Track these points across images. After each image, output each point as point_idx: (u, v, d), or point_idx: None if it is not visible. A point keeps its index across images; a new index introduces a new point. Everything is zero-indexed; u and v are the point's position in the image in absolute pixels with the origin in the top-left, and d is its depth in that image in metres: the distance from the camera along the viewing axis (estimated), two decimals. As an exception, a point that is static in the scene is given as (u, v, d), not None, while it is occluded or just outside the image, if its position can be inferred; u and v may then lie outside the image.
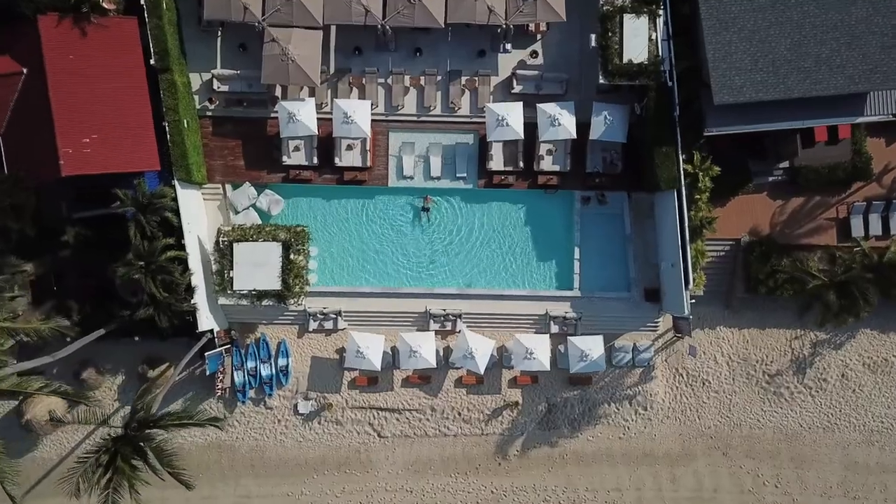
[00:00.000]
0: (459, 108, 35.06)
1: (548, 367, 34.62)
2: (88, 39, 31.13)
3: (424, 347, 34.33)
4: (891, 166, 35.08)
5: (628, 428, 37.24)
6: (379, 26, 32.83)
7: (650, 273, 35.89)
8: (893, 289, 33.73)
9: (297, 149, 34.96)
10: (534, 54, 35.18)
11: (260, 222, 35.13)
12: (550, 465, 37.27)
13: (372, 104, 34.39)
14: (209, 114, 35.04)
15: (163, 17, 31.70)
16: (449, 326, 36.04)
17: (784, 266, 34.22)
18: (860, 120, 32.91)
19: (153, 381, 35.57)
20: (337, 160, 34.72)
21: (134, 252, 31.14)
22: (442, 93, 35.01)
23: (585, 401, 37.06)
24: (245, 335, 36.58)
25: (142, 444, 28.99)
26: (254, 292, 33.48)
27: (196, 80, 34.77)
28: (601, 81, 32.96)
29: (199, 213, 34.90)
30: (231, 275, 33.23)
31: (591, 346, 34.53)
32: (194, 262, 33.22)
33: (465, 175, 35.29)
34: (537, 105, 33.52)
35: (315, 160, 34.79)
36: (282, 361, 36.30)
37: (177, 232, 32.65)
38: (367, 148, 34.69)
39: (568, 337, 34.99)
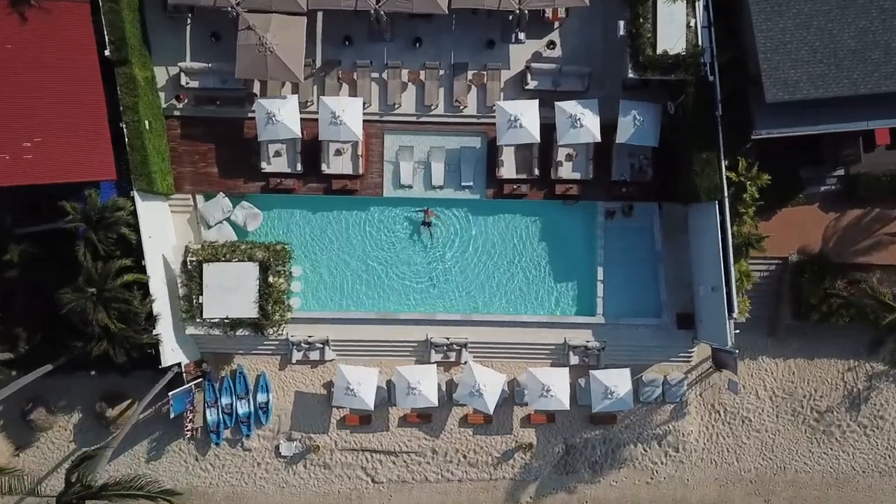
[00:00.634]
0: (465, 107, 30.79)
1: (567, 406, 30.25)
2: (30, 27, 26.72)
3: (425, 383, 29.90)
4: (963, 175, 30.53)
5: (657, 472, 32.81)
6: (372, 12, 28.45)
7: (683, 296, 31.50)
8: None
9: (277, 154, 30.60)
10: (551, 45, 30.80)
11: (235, 238, 30.71)
12: (568, 514, 32.91)
13: (364, 102, 30.13)
14: (177, 114, 30.67)
15: (120, 1, 27.19)
16: (453, 357, 31.67)
17: (842, 290, 29.69)
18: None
19: (112, 420, 31.20)
20: (324, 167, 30.43)
21: (83, 276, 26.62)
22: (445, 89, 30.77)
23: (608, 441, 32.64)
24: (219, 367, 32.11)
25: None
26: (226, 321, 29.05)
27: (161, 75, 30.36)
28: (630, 76, 28.48)
29: (164, 229, 30.43)
30: (200, 300, 28.84)
31: (616, 381, 30.11)
32: (157, 286, 28.73)
33: (471, 184, 30.97)
34: (555, 103, 29.21)
35: (299, 167, 30.49)
36: (261, 397, 31.86)
37: (137, 251, 28.15)
38: (359, 153, 30.41)
39: (590, 371, 30.50)
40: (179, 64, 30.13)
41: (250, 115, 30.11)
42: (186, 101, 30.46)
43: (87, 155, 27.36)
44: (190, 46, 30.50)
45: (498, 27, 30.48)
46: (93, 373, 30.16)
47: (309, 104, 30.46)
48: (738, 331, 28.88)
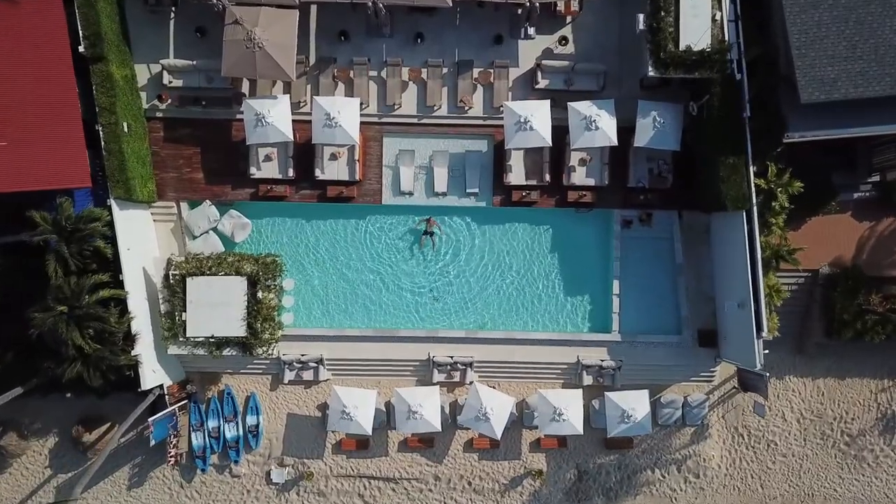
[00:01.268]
0: (470, 108, 28.57)
1: (580, 431, 28.04)
2: (-5, 20, 24.46)
3: (427, 406, 27.67)
4: None
5: (676, 499, 30.60)
6: (370, 4, 26.24)
7: (705, 311, 29.29)
8: None
9: (268, 158, 28.36)
10: (563, 41, 28.55)
11: (222, 249, 28.50)
12: (581, 545, 30.73)
13: (361, 103, 27.94)
14: (159, 115, 28.43)
15: (95, -8, 25.06)
16: (457, 377, 29.45)
17: (878, 306, 27.52)
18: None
19: (89, 446, 29.10)
20: (318, 173, 28.19)
21: (53, 293, 24.42)
22: (448, 89, 28.58)
23: (624, 467, 30.40)
24: (206, 388, 29.86)
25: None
26: (212, 340, 26.85)
27: (142, 74, 28.15)
28: (650, 74, 26.17)
29: (145, 240, 28.22)
30: (183, 318, 26.61)
31: (634, 404, 27.87)
32: (136, 303, 26.55)
33: (476, 190, 28.74)
34: (568, 104, 26.98)
35: (291, 173, 28.24)
36: (251, 420, 29.64)
37: (114, 264, 25.93)
38: (356, 157, 28.19)
39: (605, 392, 28.25)
40: (162, 61, 27.93)
41: (238, 116, 27.92)
42: (169, 101, 28.24)
43: (59, 160, 25.15)
44: (173, 42, 28.30)
45: (506, 21, 28.28)
46: (68, 395, 27.85)
47: (302, 105, 28.30)
48: (766, 351, 26.61)
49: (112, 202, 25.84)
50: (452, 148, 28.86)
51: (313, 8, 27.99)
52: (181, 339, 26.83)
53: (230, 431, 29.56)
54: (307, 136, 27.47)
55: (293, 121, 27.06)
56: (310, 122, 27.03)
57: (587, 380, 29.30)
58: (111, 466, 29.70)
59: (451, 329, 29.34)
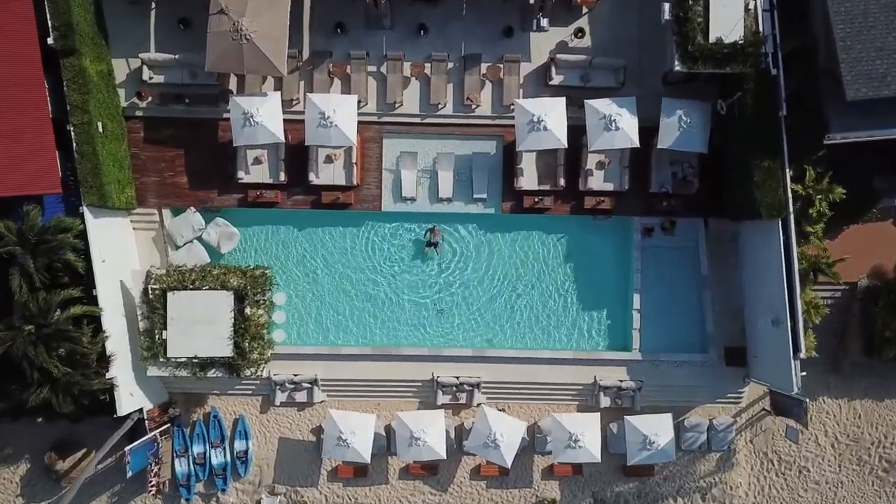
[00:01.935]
0: (478, 106, 26.41)
1: (598, 458, 25.84)
2: (-48, 9, 22.25)
3: (431, 432, 25.48)
4: None
5: (700, 530, 28.38)
6: (369, -7, 24.07)
7: (732, 327, 27.09)
8: None
9: (257, 161, 26.17)
10: (579, 33, 26.37)
11: (207, 260, 26.30)
12: (597, 579, 28.47)
13: (359, 101, 25.76)
14: (139, 114, 26.24)
15: (66, -22, 22.82)
16: (463, 399, 27.23)
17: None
18: None
19: (63, 474, 26.88)
20: (312, 177, 26.04)
21: (18, 311, 22.10)
22: (454, 85, 26.45)
23: (644, 495, 28.19)
24: (190, 410, 27.60)
25: None
26: (195, 360, 24.59)
27: (121, 69, 25.92)
28: (676, 68, 23.88)
29: (124, 250, 25.99)
30: (164, 336, 24.34)
31: (656, 429, 25.69)
32: (112, 320, 24.30)
33: (484, 196, 26.57)
34: (585, 102, 24.82)
35: (282, 177, 26.10)
36: (239, 445, 27.40)
37: (87, 279, 23.67)
38: (353, 160, 26.04)
39: (625, 417, 26.00)
40: (141, 55, 25.65)
41: (225, 115, 25.76)
42: (150, 99, 26.03)
43: (25, 164, 22.98)
44: (154, 35, 26.11)
45: (517, 12, 26.18)
46: (39, 419, 25.56)
47: (294, 102, 26.17)
48: (804, 373, 24.32)
49: (85, 210, 23.56)
50: (458, 150, 26.70)
51: (307, -3, 25.84)
52: (161, 359, 24.57)
53: (217, 457, 27.34)
54: (300, 136, 25.28)
55: (285, 120, 24.89)
56: (303, 121, 24.88)
57: (604, 402, 27.05)
58: (87, 496, 27.41)
59: (456, 347, 27.12)
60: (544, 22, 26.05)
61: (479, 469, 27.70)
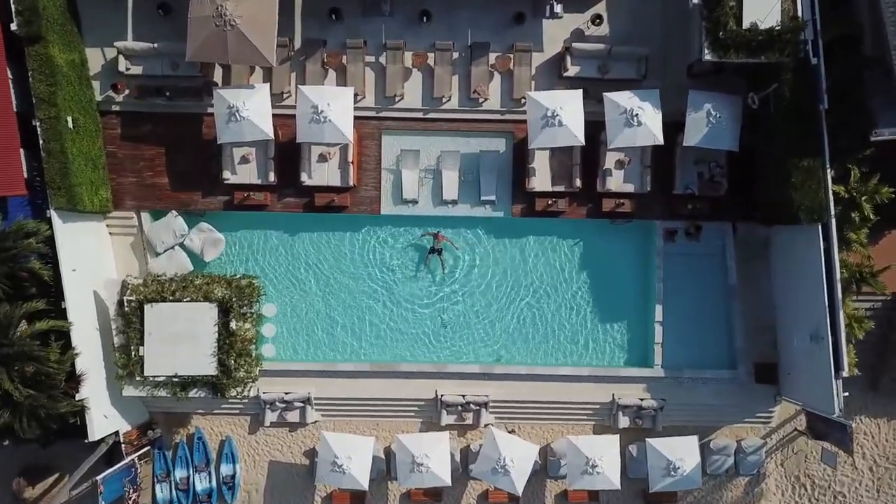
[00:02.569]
0: (486, 100, 24.40)
1: (617, 486, 23.74)
2: None
3: (434, 456, 23.37)
4: None
5: (727, 560, 26.26)
6: (366, -25, 21.93)
7: (762, 340, 25.00)
8: None
9: (244, 160, 24.09)
10: (597, 20, 24.30)
11: (190, 268, 24.18)
12: None
13: (356, 94, 23.71)
14: (115, 108, 24.10)
15: (30, -42, 20.67)
16: (470, 420, 25.18)
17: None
18: None
19: (33, 502, 24.56)
20: (304, 177, 24.02)
21: (-24, 327, 19.96)
22: (460, 77, 24.44)
23: (666, 523, 26.05)
24: (172, 431, 25.47)
25: None
26: (175, 379, 22.46)
27: (95, 59, 23.78)
28: (706, 58, 21.73)
29: (98, 258, 23.85)
30: (141, 353, 22.21)
31: (681, 453, 23.60)
32: (84, 335, 22.12)
33: (493, 198, 24.55)
34: (604, 95, 22.73)
35: (272, 177, 24.03)
36: (226, 469, 25.34)
37: (56, 289, 21.54)
38: (349, 159, 24.01)
39: (647, 439, 23.92)
40: (117, 44, 23.47)
41: (209, 109, 23.65)
42: (127, 92, 23.86)
43: (-15, 163, 20.77)
44: (132, 21, 23.93)
45: (529, -3, 24.07)
46: (6, 442, 23.40)
47: (285, 96, 24.14)
48: (846, 393, 22.15)
49: (52, 213, 21.42)
50: (464, 147, 24.67)
51: (298, -20, 23.72)
52: (138, 378, 22.46)
53: (201, 483, 25.26)
54: (291, 133, 23.27)
55: (274, 115, 22.81)
56: (294, 116, 22.84)
57: (623, 422, 24.96)
58: (58, 525, 25.36)
59: (462, 363, 25.06)
60: (558, 7, 23.82)
61: (487, 495, 25.61)
